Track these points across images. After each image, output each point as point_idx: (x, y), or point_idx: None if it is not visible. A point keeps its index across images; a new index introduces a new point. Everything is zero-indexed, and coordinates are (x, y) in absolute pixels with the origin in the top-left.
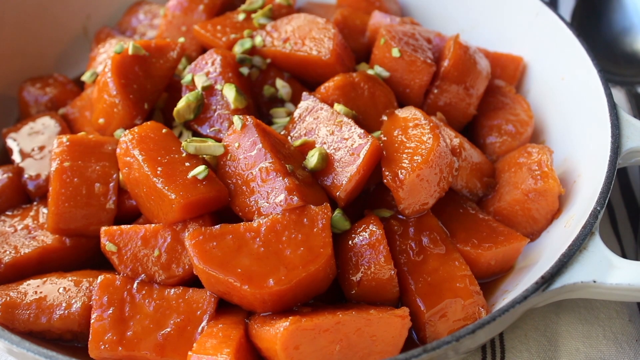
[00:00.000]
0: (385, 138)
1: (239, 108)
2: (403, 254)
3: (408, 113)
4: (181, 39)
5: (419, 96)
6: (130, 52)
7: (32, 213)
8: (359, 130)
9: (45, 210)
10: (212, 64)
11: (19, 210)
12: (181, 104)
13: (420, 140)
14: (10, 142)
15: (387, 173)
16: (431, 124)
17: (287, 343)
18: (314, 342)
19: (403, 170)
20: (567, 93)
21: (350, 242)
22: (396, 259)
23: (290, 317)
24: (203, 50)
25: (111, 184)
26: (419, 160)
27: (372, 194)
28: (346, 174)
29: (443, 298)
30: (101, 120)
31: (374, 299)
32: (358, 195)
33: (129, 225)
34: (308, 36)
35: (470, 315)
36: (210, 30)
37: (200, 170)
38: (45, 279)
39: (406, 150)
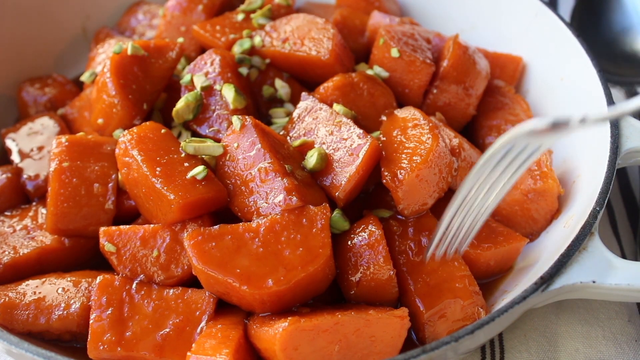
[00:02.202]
0: (384, 138)
1: (238, 108)
2: (402, 254)
3: (407, 113)
4: (180, 39)
5: (418, 96)
6: (129, 52)
7: (31, 213)
8: (358, 131)
9: (44, 211)
10: (211, 64)
11: (18, 211)
12: (180, 104)
13: (420, 141)
14: (9, 143)
15: (386, 173)
16: (430, 124)
17: (286, 344)
18: (313, 343)
19: (402, 171)
20: (566, 93)
21: (349, 243)
22: (395, 259)
23: (289, 318)
24: (202, 50)
25: (110, 184)
26: (418, 161)
27: (371, 194)
28: (345, 174)
29: (442, 298)
30: (100, 121)
31: (373, 299)
32: (357, 196)
33: (127, 226)
34: (307, 36)
35: (470, 316)
36: (210, 31)
37: (199, 171)
38: (44, 279)
39: (405, 151)
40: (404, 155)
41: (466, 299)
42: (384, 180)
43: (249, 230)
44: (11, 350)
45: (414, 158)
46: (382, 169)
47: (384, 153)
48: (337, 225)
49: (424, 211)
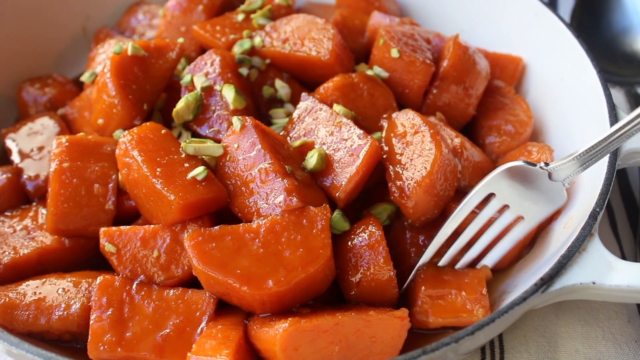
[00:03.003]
0: (386, 148)
1: (238, 109)
2: (414, 246)
3: (406, 119)
4: (180, 40)
5: (418, 96)
6: (129, 52)
7: (31, 214)
8: (358, 131)
9: (44, 211)
10: (212, 64)
11: (18, 211)
12: (180, 104)
13: (422, 150)
14: (9, 143)
15: (394, 189)
16: (431, 131)
17: (287, 344)
18: (313, 343)
19: (409, 185)
20: (566, 93)
21: (349, 243)
22: (407, 252)
23: (289, 319)
24: (202, 50)
25: (110, 185)
26: (424, 174)
27: (372, 194)
28: (345, 175)
29: (446, 286)
30: (100, 121)
31: (374, 300)
32: (358, 196)
33: (128, 226)
34: (307, 37)
35: (468, 310)
36: (210, 31)
37: (199, 171)
38: (44, 279)
39: (410, 163)
40: (408, 169)
41: (471, 294)
42: (392, 197)
43: (249, 231)
44: (11, 350)
45: (420, 171)
46: (389, 185)
47: (389, 166)
48: (337, 225)
49: (433, 219)
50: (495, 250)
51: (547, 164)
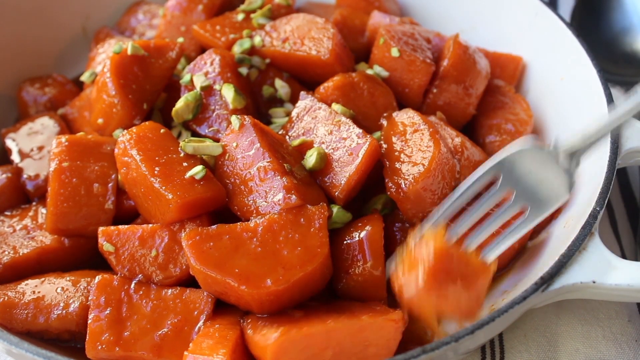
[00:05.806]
0: (385, 145)
1: (237, 108)
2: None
3: (406, 117)
4: (180, 39)
5: (418, 96)
6: (129, 52)
7: (30, 213)
8: (358, 130)
9: (44, 211)
10: (211, 64)
11: (18, 211)
12: (180, 104)
13: (421, 148)
14: (9, 142)
15: (390, 185)
16: (431, 129)
17: (278, 354)
18: (305, 351)
19: (406, 182)
20: (566, 93)
21: (347, 239)
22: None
23: (280, 328)
24: (202, 50)
25: (110, 184)
26: (421, 171)
27: (371, 192)
28: (345, 174)
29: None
30: (100, 121)
31: (366, 296)
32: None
33: (126, 226)
34: (307, 36)
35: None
36: (210, 30)
37: (197, 170)
38: (43, 279)
39: (407, 160)
40: (406, 165)
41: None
42: (389, 192)
43: (246, 230)
44: (11, 350)
45: (417, 168)
46: (386, 180)
47: (387, 162)
48: (340, 219)
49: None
50: (498, 245)
51: (555, 147)
